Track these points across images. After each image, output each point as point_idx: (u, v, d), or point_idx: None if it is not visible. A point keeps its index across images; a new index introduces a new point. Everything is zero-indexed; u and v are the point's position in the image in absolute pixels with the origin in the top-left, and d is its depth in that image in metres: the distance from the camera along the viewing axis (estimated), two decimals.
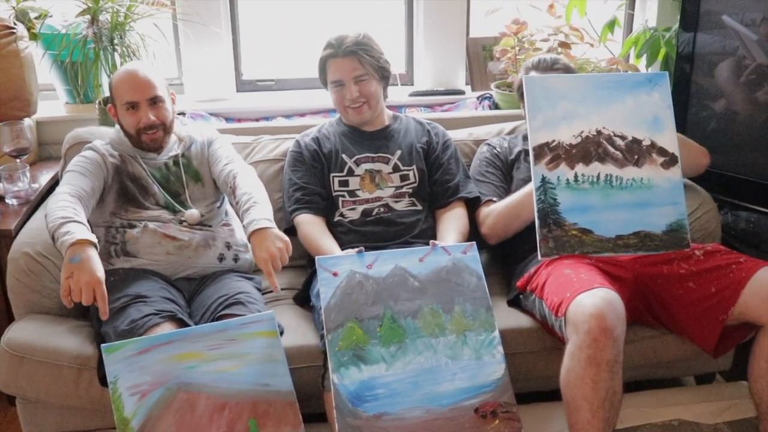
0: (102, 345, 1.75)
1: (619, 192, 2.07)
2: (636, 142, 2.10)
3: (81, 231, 1.85)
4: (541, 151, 2.07)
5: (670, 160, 2.09)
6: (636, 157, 2.09)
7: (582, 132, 2.10)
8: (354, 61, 2.29)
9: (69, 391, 1.97)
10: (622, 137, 2.10)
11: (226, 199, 2.34)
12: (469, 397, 1.85)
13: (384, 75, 2.38)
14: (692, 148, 2.32)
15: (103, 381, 1.90)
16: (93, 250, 1.83)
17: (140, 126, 2.15)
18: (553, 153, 2.08)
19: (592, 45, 3.14)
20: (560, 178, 2.05)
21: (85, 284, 1.77)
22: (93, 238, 1.86)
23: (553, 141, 2.09)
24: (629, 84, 2.14)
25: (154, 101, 2.15)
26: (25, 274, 2.09)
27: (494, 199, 2.35)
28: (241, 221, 2.03)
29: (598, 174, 2.07)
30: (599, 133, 2.10)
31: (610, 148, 2.09)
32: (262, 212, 1.99)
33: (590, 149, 2.09)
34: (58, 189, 2.05)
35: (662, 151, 2.11)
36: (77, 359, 1.97)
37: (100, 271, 1.80)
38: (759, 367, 1.94)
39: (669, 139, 2.10)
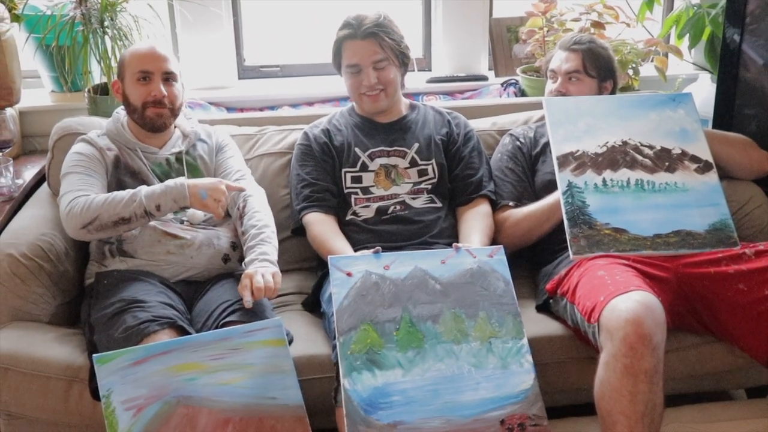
0: (94, 355, 1.76)
1: (652, 194, 2.15)
2: (665, 151, 2.22)
3: (164, 183, 2.08)
4: (565, 159, 2.18)
5: (705, 166, 2.20)
6: (667, 164, 2.19)
7: (607, 142, 2.22)
8: (374, 45, 2.30)
9: (58, 406, 1.98)
10: (650, 147, 2.22)
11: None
12: (494, 408, 1.85)
13: (404, 61, 2.39)
14: (753, 154, 2.42)
15: (95, 394, 1.90)
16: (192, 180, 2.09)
17: (149, 98, 2.19)
18: (578, 161, 2.19)
19: (628, 25, 3.15)
20: (587, 183, 2.15)
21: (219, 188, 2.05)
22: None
23: (578, 150, 2.21)
24: (651, 102, 2.30)
25: (168, 77, 2.20)
26: (8, 277, 2.09)
27: (510, 204, 2.37)
28: (244, 253, 2.12)
29: (628, 179, 2.16)
30: (625, 143, 2.22)
31: (638, 156, 2.21)
32: (267, 253, 2.08)
33: (617, 158, 2.19)
34: (69, 198, 2.06)
35: (695, 159, 2.22)
36: (67, 370, 1.98)
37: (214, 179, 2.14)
38: None
39: (701, 148, 2.22)
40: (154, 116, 2.21)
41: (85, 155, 2.19)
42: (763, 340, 2.04)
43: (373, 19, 2.31)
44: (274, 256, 2.09)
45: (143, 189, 2.05)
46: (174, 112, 2.25)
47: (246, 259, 2.08)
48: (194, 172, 2.29)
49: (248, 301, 1.93)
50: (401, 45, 2.35)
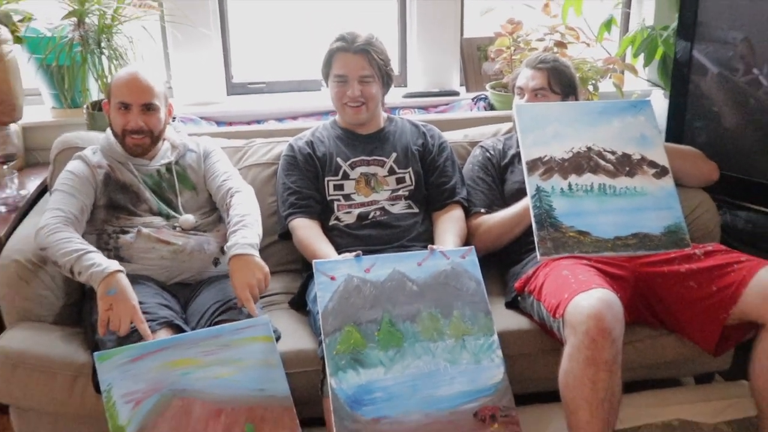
0: (95, 353, 1.79)
1: (613, 198, 2.15)
2: (626, 156, 2.22)
3: (106, 261, 1.97)
4: (534, 164, 2.17)
5: (662, 171, 2.21)
6: (627, 168, 2.20)
7: (572, 148, 2.21)
8: (363, 60, 2.35)
9: (63, 398, 2.01)
10: (612, 152, 2.22)
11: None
12: (468, 401, 1.91)
13: (387, 82, 2.44)
14: (702, 165, 2.47)
15: (97, 388, 1.90)
16: (124, 278, 1.95)
17: (127, 128, 2.20)
18: (546, 166, 2.18)
19: (588, 44, 3.18)
20: (554, 187, 2.15)
21: (124, 315, 1.88)
22: (119, 266, 1.96)
23: (546, 156, 2.20)
24: (615, 109, 2.29)
25: (148, 107, 2.20)
26: (16, 281, 2.12)
27: (482, 210, 2.41)
28: (227, 239, 2.11)
29: (592, 183, 2.17)
30: (589, 149, 2.21)
31: (601, 162, 2.20)
32: (247, 236, 2.07)
33: (582, 162, 2.20)
34: (47, 217, 2.09)
35: (653, 164, 2.22)
36: (71, 366, 2.01)
37: (135, 299, 1.92)
38: (761, 365, 2.00)
39: (658, 153, 2.23)
40: (132, 145, 2.22)
41: (75, 174, 2.20)
42: (710, 331, 2.09)
43: (366, 38, 2.36)
44: (256, 239, 2.09)
45: (86, 251, 1.99)
46: (154, 139, 2.25)
47: (227, 245, 2.07)
48: (184, 181, 2.32)
49: (256, 311, 1.97)
50: (387, 66, 2.40)
